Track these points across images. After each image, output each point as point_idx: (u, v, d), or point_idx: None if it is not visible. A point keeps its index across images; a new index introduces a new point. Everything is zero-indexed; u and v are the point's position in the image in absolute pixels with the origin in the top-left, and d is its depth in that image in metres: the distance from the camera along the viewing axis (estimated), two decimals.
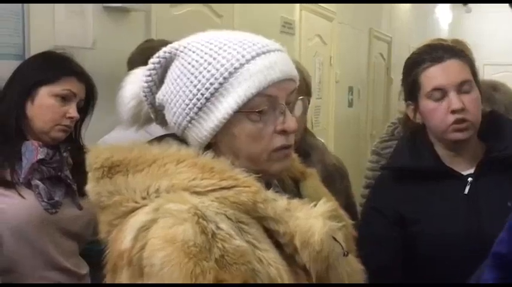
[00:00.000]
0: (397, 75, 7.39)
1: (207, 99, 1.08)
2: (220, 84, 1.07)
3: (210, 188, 1.04)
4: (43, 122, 1.89)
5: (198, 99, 1.09)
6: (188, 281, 0.93)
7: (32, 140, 1.88)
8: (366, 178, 2.29)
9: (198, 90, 1.09)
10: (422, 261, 1.75)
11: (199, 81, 1.09)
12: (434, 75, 1.70)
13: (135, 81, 1.23)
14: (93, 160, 1.13)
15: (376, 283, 1.61)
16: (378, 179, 2.00)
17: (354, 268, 1.12)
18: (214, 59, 1.09)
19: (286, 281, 1.01)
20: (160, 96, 1.16)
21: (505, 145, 1.74)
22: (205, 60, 1.09)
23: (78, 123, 2.01)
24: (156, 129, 1.49)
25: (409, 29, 8.06)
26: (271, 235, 1.06)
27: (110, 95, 2.30)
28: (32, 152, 1.85)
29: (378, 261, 1.60)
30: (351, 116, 6.21)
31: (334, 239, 1.06)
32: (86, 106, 2.01)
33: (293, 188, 1.30)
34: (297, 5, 4.81)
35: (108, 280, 1.09)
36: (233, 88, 1.07)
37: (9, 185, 1.82)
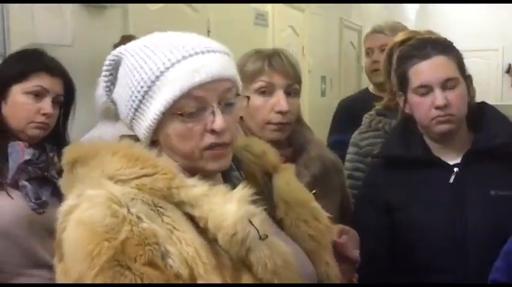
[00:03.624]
0: None
1: (140, 101, 1.15)
2: (149, 87, 1.13)
3: (132, 176, 1.10)
4: (17, 121, 1.89)
5: (133, 101, 1.16)
6: (87, 259, 1.01)
7: (19, 141, 1.88)
8: (345, 170, 2.33)
9: (133, 92, 1.15)
10: (405, 248, 1.80)
11: (133, 83, 1.15)
12: (421, 72, 1.76)
13: None
14: (64, 156, 1.20)
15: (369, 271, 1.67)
16: (369, 168, 2.07)
17: (275, 251, 1.12)
18: (146, 62, 1.14)
19: (205, 260, 1.06)
20: (114, 95, 1.23)
21: (491, 135, 1.79)
22: (139, 64, 1.15)
23: (61, 120, 2.00)
24: None
25: (377, 18, 8.12)
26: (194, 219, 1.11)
27: (90, 92, 2.32)
28: (19, 153, 1.85)
29: (368, 251, 1.65)
30: (324, 105, 6.26)
31: (251, 223, 1.09)
32: (67, 101, 1.99)
33: (266, 181, 1.33)
34: None
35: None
36: (160, 91, 1.13)
37: None
